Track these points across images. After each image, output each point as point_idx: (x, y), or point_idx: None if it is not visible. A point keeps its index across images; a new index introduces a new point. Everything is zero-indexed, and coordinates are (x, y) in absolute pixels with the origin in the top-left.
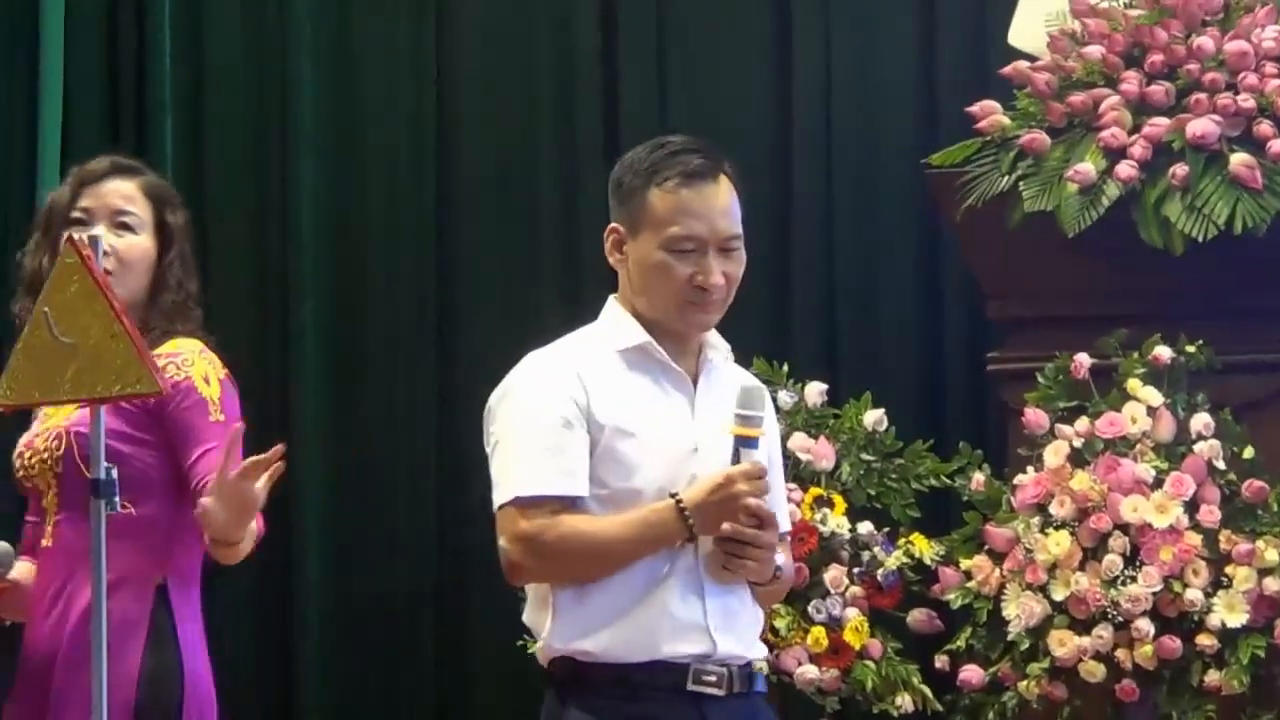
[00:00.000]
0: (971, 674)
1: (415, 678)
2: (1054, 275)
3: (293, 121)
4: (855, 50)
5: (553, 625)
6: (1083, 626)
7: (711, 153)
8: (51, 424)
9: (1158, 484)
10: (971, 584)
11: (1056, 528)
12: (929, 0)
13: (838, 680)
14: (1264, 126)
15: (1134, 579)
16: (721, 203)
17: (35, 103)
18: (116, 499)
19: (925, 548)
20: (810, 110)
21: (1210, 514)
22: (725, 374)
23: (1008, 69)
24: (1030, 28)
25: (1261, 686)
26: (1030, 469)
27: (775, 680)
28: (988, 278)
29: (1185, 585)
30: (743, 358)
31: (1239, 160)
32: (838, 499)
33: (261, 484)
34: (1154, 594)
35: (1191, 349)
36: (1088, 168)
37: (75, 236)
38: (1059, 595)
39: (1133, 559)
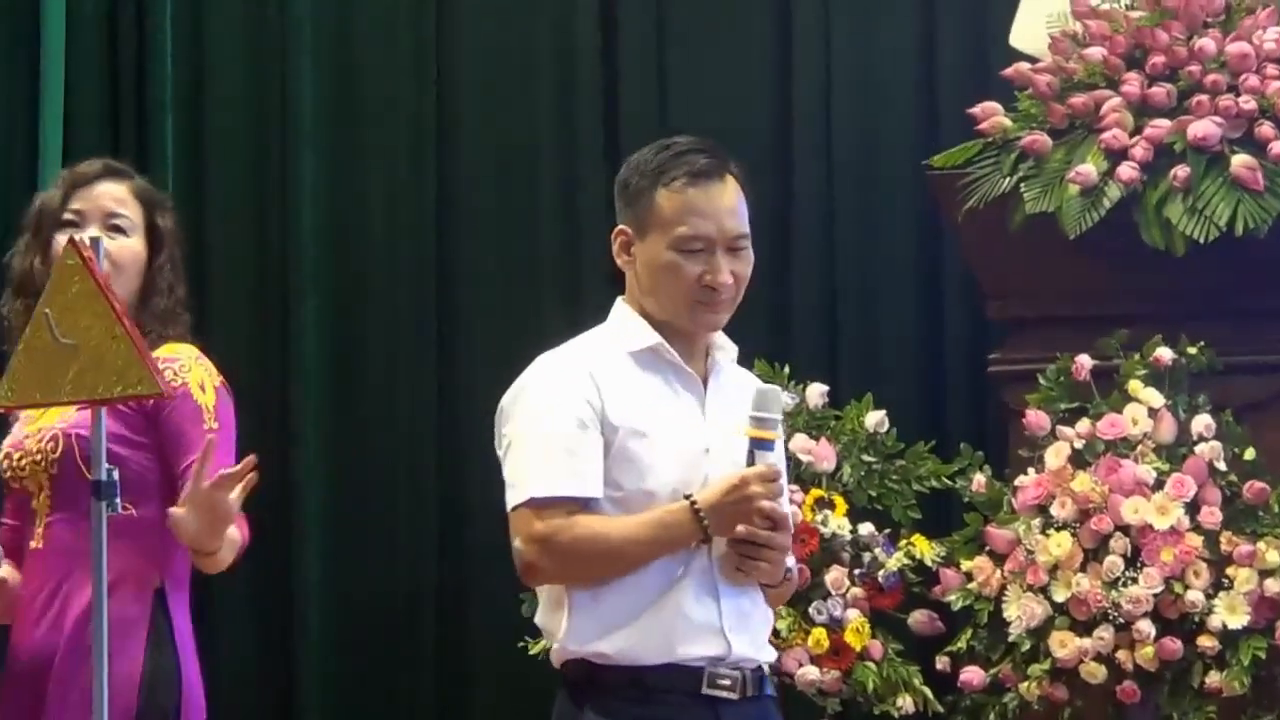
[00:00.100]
0: (972, 675)
1: (415, 678)
2: (1055, 276)
3: (293, 121)
4: (856, 50)
5: (568, 627)
6: (1084, 628)
7: (718, 153)
8: (43, 425)
9: (1159, 485)
10: (972, 585)
11: (1057, 529)
12: (929, 1)
13: (839, 681)
14: (1265, 128)
15: (1135, 580)
16: (728, 202)
17: (36, 103)
18: (118, 500)
19: (926, 549)
20: (810, 110)
21: (1211, 515)
22: (732, 375)
23: (1009, 70)
24: (1031, 29)
25: (1262, 688)
26: (1031, 470)
27: (776, 682)
28: (989, 278)
29: (1186, 587)
30: (744, 359)
31: (1240, 162)
32: (839, 500)
33: (235, 495)
34: (1155, 595)
35: (1193, 350)
36: (1089, 169)
37: (76, 238)
38: (1060, 596)
39: (1134, 560)
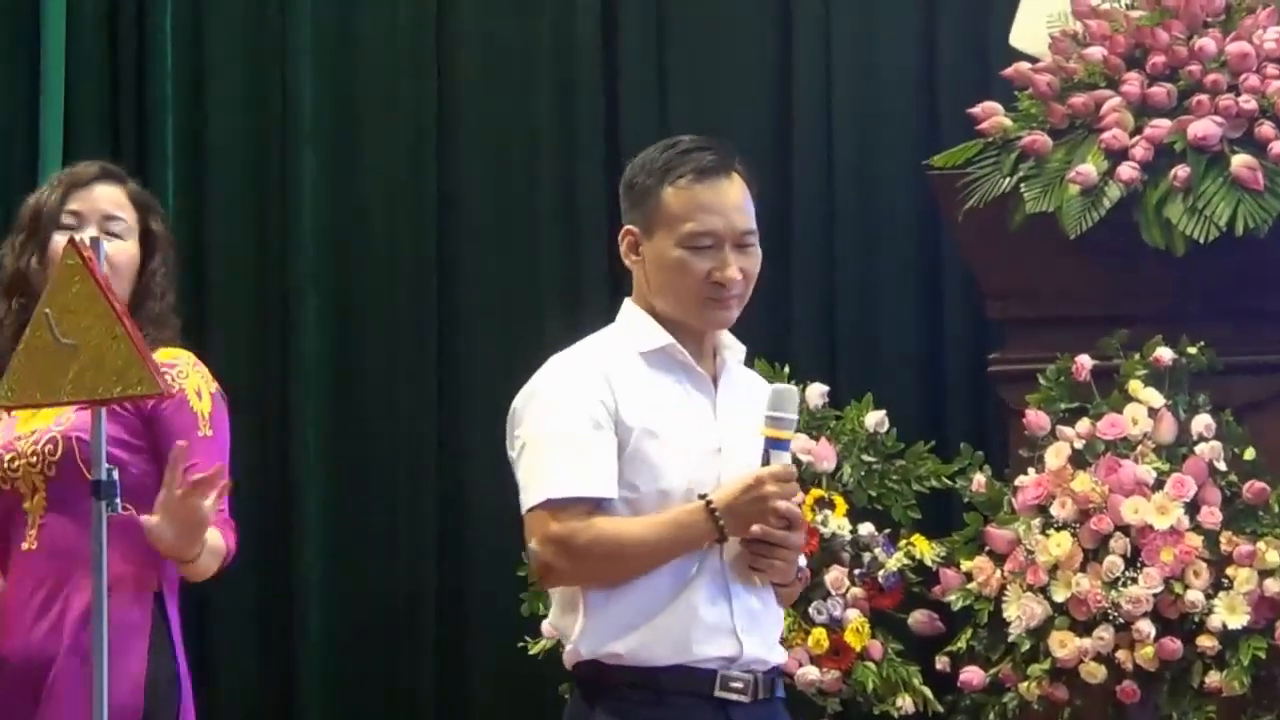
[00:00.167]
0: (972, 675)
1: (415, 678)
2: (1055, 276)
3: (293, 121)
4: (856, 50)
5: (583, 629)
6: (1083, 628)
7: (723, 150)
8: (37, 427)
9: (1159, 485)
10: (972, 585)
11: (1057, 529)
12: (929, 1)
13: (839, 681)
14: (1265, 128)
15: (1135, 580)
16: (735, 198)
17: (36, 103)
18: (118, 500)
19: (926, 549)
20: (810, 110)
21: (1211, 515)
22: (740, 375)
23: (1009, 70)
24: (1032, 29)
25: (1262, 688)
26: (1031, 470)
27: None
28: (989, 279)
29: (1186, 587)
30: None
31: (1240, 161)
32: (839, 500)
33: (210, 502)
34: (1155, 595)
35: (1193, 350)
36: (1089, 169)
37: (77, 238)
38: (1060, 596)
39: (1134, 560)
